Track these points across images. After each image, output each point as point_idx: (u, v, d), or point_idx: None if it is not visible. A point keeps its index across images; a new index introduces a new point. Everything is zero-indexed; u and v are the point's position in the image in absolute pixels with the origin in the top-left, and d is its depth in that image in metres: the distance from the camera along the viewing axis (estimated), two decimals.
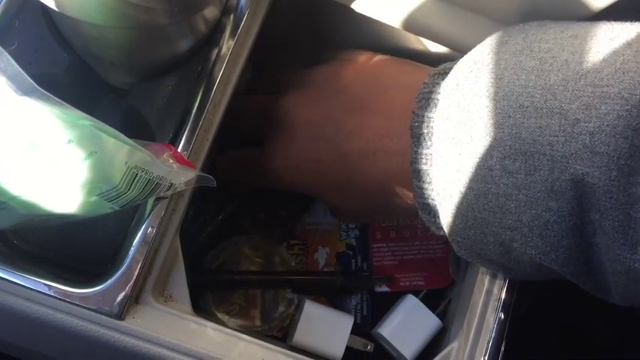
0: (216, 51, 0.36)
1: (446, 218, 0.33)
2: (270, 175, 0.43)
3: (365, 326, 0.50)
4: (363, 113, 0.39)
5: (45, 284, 0.33)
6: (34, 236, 0.37)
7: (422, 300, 0.46)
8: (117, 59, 0.35)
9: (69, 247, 0.37)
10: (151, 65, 0.36)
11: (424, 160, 0.34)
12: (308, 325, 0.45)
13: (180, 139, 0.35)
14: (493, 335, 0.37)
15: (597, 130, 0.26)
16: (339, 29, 0.47)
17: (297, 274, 0.52)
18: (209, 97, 0.36)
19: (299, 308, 0.46)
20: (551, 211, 0.28)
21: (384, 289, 0.51)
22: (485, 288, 0.38)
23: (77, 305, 0.33)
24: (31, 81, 0.24)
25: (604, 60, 0.27)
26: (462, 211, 0.32)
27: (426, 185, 0.34)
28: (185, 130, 0.35)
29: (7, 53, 0.23)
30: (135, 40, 0.33)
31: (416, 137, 0.34)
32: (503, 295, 0.37)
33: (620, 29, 0.29)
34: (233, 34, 0.37)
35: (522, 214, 0.29)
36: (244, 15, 0.37)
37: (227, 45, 0.37)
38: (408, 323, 0.45)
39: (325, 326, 0.45)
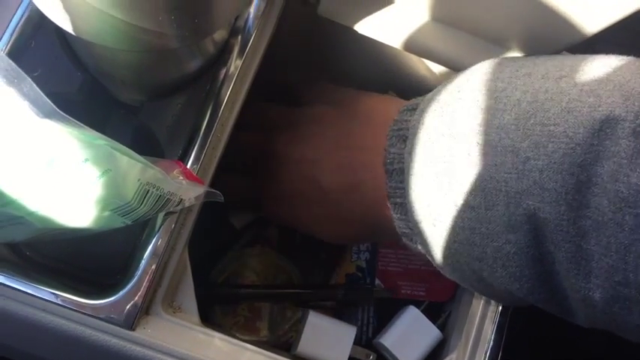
0: (224, 71, 0.38)
1: (425, 247, 0.35)
2: (255, 204, 0.46)
3: (368, 342, 0.51)
4: (341, 151, 0.41)
5: (58, 295, 0.34)
6: (47, 248, 0.38)
7: (423, 311, 0.47)
8: (128, 79, 0.36)
9: (80, 259, 0.39)
10: (161, 85, 0.37)
11: (399, 194, 0.35)
12: (312, 336, 0.45)
13: (190, 156, 0.36)
14: (491, 346, 0.38)
15: (546, 167, 0.27)
16: (343, 49, 0.48)
17: (301, 287, 0.53)
18: (217, 115, 0.37)
19: (303, 318, 0.47)
20: (510, 243, 0.29)
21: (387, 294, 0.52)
22: (483, 300, 0.39)
23: (90, 315, 0.34)
24: (52, 104, 0.26)
25: (552, 99, 0.29)
26: (437, 242, 0.33)
27: (403, 217, 0.35)
28: (194, 147, 0.36)
29: (30, 79, 0.25)
30: (146, 61, 0.34)
31: (389, 173, 0.36)
32: (500, 307, 0.38)
33: (570, 67, 0.30)
34: (240, 54, 0.38)
35: (486, 247, 0.30)
36: (251, 36, 0.38)
37: (235, 65, 0.38)
38: (409, 334, 0.46)
39: (328, 336, 0.46)
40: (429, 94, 0.35)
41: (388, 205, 0.36)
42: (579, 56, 0.31)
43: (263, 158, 0.45)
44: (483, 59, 0.39)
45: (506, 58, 0.35)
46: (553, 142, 0.27)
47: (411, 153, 0.34)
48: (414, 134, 0.34)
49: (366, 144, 0.39)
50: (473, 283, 0.34)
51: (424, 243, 0.34)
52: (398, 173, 0.35)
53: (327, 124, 0.43)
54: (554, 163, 0.27)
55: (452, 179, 0.31)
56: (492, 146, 0.29)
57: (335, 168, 0.41)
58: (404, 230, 0.36)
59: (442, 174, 0.31)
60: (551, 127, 0.28)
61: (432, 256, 0.35)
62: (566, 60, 0.31)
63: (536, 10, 0.33)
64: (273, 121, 0.46)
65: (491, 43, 0.39)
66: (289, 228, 0.50)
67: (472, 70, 0.34)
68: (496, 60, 0.34)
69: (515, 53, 0.39)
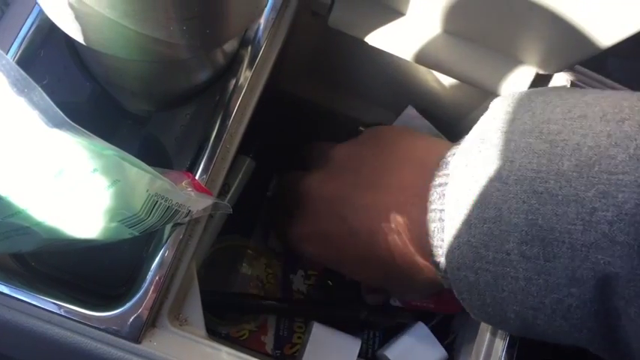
0: (233, 81, 0.37)
1: (461, 295, 0.33)
2: (291, 241, 0.45)
3: (374, 356, 0.51)
4: (375, 190, 0.39)
5: (64, 307, 0.34)
6: (53, 259, 0.38)
7: (431, 329, 0.46)
8: (138, 89, 0.36)
9: (86, 270, 0.38)
10: (170, 95, 0.37)
11: (440, 253, 0.33)
12: (316, 348, 0.45)
13: (198, 167, 0.36)
14: None
15: (616, 219, 0.26)
16: (353, 60, 0.48)
17: (320, 304, 0.52)
18: (226, 126, 0.37)
19: (307, 330, 0.47)
20: (573, 296, 0.28)
21: (396, 303, 0.52)
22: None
23: (95, 328, 0.33)
24: (62, 114, 0.25)
25: (617, 144, 0.27)
26: (480, 291, 0.31)
27: (441, 274, 0.34)
28: (203, 158, 0.36)
29: (40, 89, 0.25)
30: (156, 71, 0.34)
31: (430, 230, 0.34)
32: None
33: (629, 107, 0.28)
34: (250, 65, 0.38)
35: (544, 297, 0.29)
36: (261, 47, 0.38)
37: (244, 75, 0.38)
38: (414, 350, 0.46)
39: (333, 349, 0.45)
40: (468, 135, 0.33)
41: (421, 247, 0.35)
42: (634, 94, 0.30)
43: (295, 198, 0.44)
44: (495, 72, 0.39)
45: (547, 93, 0.32)
46: (623, 191, 0.26)
47: (452, 199, 0.32)
48: (456, 182, 0.32)
49: (404, 184, 0.38)
50: (512, 329, 0.32)
51: (461, 293, 0.33)
52: (438, 230, 0.33)
53: (362, 161, 0.41)
54: (626, 214, 0.25)
55: (504, 227, 0.29)
56: (552, 194, 0.28)
57: (367, 207, 0.39)
58: (442, 275, 0.35)
59: (491, 221, 0.30)
60: (620, 176, 0.26)
61: (467, 304, 0.33)
62: (622, 99, 0.29)
63: (550, 23, 0.33)
64: (310, 160, 0.46)
65: (503, 55, 0.39)
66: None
67: (512, 105, 0.32)
68: (536, 95, 0.32)
69: (528, 66, 0.39)
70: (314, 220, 0.43)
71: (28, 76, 0.24)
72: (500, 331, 0.38)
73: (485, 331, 0.38)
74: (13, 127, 0.25)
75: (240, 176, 0.48)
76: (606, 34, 0.33)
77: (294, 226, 0.44)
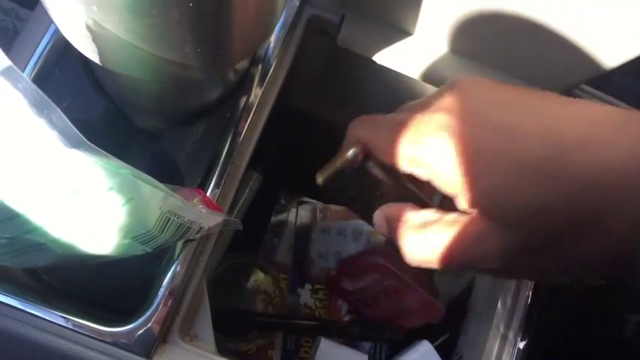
0: (244, 99, 0.38)
1: None
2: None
3: None
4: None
5: (76, 322, 0.34)
6: (65, 274, 0.38)
7: (436, 349, 0.46)
8: (151, 107, 0.37)
9: (98, 285, 0.38)
10: (182, 113, 0.38)
11: None
12: None
13: (209, 184, 0.36)
14: None
15: None
16: (361, 78, 0.48)
17: (316, 320, 0.53)
18: (237, 143, 0.37)
19: (314, 345, 0.47)
20: None
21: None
22: (500, 333, 0.38)
23: (107, 343, 0.34)
24: (80, 135, 0.26)
25: None
26: None
27: None
28: (214, 174, 0.36)
29: (59, 110, 0.25)
30: (169, 91, 0.34)
31: None
32: (519, 340, 0.38)
33: None
34: (261, 83, 0.38)
35: None
36: (271, 65, 0.39)
37: (255, 93, 0.38)
38: None
39: None
40: None
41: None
42: None
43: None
44: None
45: None
46: None
47: None
48: None
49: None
50: None
51: None
52: None
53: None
54: None
55: None
56: None
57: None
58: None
59: None
60: None
61: None
62: None
63: (556, 44, 0.34)
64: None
65: (509, 75, 0.39)
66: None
67: None
68: None
69: (534, 85, 0.40)
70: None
71: (47, 97, 0.25)
72: (507, 349, 0.38)
73: (491, 351, 0.38)
74: (32, 147, 0.25)
75: (247, 191, 0.49)
76: (612, 55, 0.33)
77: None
